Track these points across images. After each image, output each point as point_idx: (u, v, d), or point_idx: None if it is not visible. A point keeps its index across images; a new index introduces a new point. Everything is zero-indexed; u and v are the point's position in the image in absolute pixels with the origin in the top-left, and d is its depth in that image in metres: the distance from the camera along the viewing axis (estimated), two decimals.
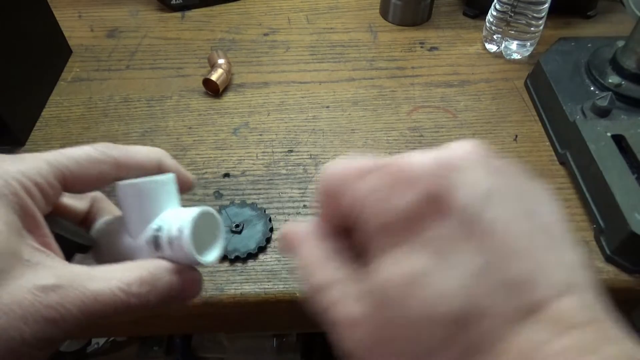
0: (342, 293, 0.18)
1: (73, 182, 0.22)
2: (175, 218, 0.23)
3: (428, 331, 0.16)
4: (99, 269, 0.20)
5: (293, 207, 0.45)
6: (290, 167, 0.48)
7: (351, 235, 0.20)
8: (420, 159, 0.17)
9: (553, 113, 0.51)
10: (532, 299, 0.15)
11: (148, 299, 0.21)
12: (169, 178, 0.24)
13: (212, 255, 0.23)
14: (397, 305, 0.16)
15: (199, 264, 0.23)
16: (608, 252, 0.40)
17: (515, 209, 0.16)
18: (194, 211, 0.22)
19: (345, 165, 0.19)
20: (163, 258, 0.23)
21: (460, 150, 0.17)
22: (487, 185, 0.16)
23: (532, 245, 0.16)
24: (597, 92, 0.49)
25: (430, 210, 0.16)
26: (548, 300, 0.15)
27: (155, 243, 0.23)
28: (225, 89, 0.57)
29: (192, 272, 0.23)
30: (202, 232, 0.23)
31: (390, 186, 0.17)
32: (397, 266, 0.16)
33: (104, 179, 0.23)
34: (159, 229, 0.23)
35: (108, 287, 0.20)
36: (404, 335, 0.16)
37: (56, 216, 0.23)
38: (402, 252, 0.16)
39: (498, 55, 0.61)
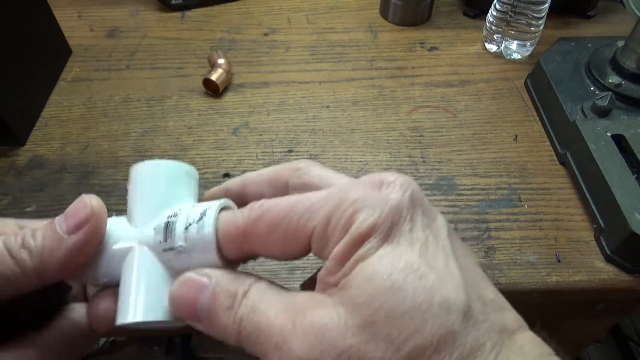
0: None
1: None
2: (196, 207, 0.20)
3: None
4: None
5: None
6: None
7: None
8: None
9: (553, 113, 0.51)
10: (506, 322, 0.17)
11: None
12: (192, 169, 0.22)
13: None
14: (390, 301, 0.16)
15: (215, 261, 0.19)
16: (608, 252, 0.40)
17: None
18: (219, 200, 0.20)
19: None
20: (166, 252, 0.20)
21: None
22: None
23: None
24: (597, 92, 0.49)
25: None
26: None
27: (167, 230, 0.20)
28: (225, 89, 0.57)
29: None
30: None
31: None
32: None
33: None
34: (174, 215, 0.20)
35: None
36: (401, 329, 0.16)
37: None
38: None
39: (498, 55, 0.61)
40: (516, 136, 0.51)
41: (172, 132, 0.52)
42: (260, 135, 0.52)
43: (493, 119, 0.53)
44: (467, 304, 0.16)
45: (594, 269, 0.40)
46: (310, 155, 0.50)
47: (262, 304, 0.18)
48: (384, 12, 0.67)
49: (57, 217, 0.20)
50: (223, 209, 0.20)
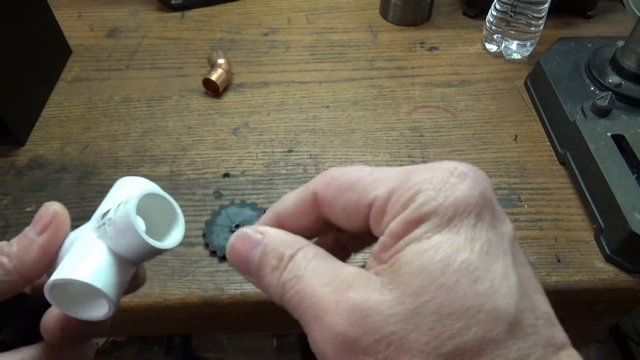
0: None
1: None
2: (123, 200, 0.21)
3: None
4: None
5: None
6: (290, 167, 0.48)
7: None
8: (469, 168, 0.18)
9: (553, 113, 0.51)
10: (560, 336, 0.17)
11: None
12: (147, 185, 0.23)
13: (171, 240, 0.21)
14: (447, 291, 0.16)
15: (148, 246, 0.20)
16: (608, 252, 0.40)
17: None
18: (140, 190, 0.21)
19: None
20: (100, 228, 0.21)
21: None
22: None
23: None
24: (597, 92, 0.49)
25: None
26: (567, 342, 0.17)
27: (103, 229, 0.21)
28: (225, 89, 0.57)
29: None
30: (156, 218, 0.21)
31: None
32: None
33: None
34: (106, 212, 0.21)
35: None
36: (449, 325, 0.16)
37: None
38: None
39: (498, 55, 0.61)
40: (516, 136, 0.51)
41: (172, 132, 0.52)
42: (260, 135, 0.52)
43: (493, 119, 0.53)
44: (516, 316, 0.16)
45: (594, 269, 0.40)
46: (310, 155, 0.50)
47: (308, 271, 0.18)
48: (384, 12, 0.67)
49: (26, 227, 0.22)
50: (147, 196, 0.21)
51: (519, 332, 0.16)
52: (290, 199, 0.21)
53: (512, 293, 0.16)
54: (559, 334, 0.17)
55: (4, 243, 0.22)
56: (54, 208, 0.22)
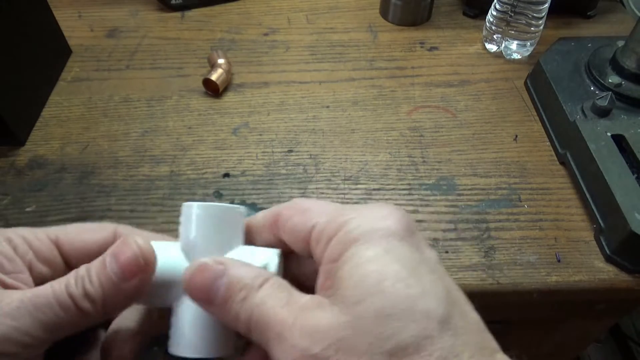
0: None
1: (64, 244, 0.23)
2: (255, 254, 0.22)
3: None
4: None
5: None
6: (290, 167, 0.48)
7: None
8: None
9: (553, 113, 0.51)
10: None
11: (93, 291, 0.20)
12: (243, 210, 0.24)
13: None
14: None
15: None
16: (608, 252, 0.40)
17: None
18: (274, 251, 0.23)
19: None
20: None
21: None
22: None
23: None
24: (597, 92, 0.49)
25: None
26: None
27: None
28: (225, 89, 0.57)
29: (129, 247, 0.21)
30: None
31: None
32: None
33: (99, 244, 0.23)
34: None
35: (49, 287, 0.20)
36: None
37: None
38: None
39: (498, 55, 0.61)
40: (516, 136, 0.51)
41: (172, 132, 0.52)
42: (260, 135, 0.52)
43: (493, 119, 0.53)
44: (445, 315, 0.18)
45: (594, 269, 0.40)
46: (310, 155, 0.50)
47: (271, 299, 0.19)
48: (384, 12, 0.67)
49: (108, 259, 0.21)
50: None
51: (450, 330, 0.17)
52: (260, 215, 0.24)
53: (441, 297, 0.18)
54: (491, 340, 0.19)
55: (84, 276, 0.20)
56: (143, 252, 0.21)
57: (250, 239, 0.24)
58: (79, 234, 0.23)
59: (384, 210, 0.20)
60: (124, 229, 0.24)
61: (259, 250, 0.23)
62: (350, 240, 0.19)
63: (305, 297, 0.20)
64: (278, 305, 0.19)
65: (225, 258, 0.21)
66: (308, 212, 0.22)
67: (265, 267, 0.22)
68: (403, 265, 0.18)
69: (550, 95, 0.51)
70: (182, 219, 0.23)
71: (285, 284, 0.21)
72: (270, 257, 0.22)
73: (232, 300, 0.20)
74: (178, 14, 0.68)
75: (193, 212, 0.22)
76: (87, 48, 0.62)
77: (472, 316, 0.19)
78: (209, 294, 0.20)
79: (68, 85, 0.57)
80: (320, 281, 0.20)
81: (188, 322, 0.21)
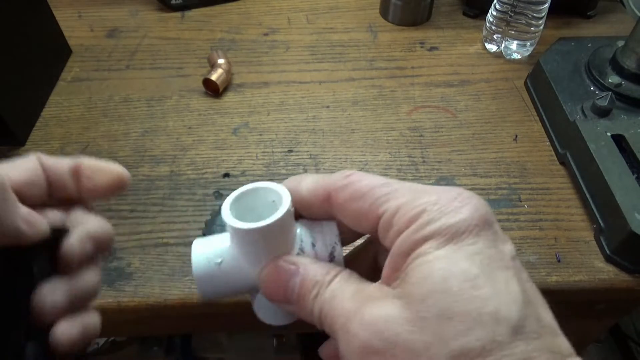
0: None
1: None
2: (314, 239, 0.22)
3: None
4: None
5: None
6: (290, 167, 0.48)
7: None
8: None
9: (553, 113, 0.51)
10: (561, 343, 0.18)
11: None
12: (286, 199, 0.22)
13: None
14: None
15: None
16: (608, 252, 0.40)
17: None
18: (332, 229, 0.22)
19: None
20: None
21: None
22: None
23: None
24: (597, 92, 0.49)
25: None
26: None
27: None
28: (225, 89, 0.57)
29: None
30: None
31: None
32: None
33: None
34: (301, 249, 0.22)
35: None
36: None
37: None
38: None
39: (498, 55, 0.61)
40: (516, 136, 0.51)
41: (172, 132, 0.52)
42: (260, 135, 0.52)
43: (493, 119, 0.53)
44: (519, 319, 0.17)
45: (594, 269, 0.40)
46: (310, 155, 0.50)
47: (340, 292, 0.20)
48: (384, 12, 0.67)
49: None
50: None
51: (522, 335, 0.16)
52: (305, 189, 0.22)
53: (515, 299, 0.17)
54: (565, 344, 0.18)
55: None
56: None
57: (297, 213, 0.23)
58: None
59: (460, 199, 0.19)
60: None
61: (316, 230, 0.22)
62: (423, 238, 0.18)
63: (371, 286, 0.20)
64: (346, 297, 0.20)
65: (296, 257, 0.22)
66: (371, 196, 0.20)
67: (331, 254, 0.22)
68: (473, 262, 0.18)
69: (550, 95, 0.51)
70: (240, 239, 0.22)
71: (353, 275, 0.21)
72: (332, 239, 0.22)
73: (306, 298, 0.21)
74: (178, 14, 0.68)
75: (258, 237, 0.21)
76: (87, 48, 0.62)
77: (547, 319, 0.18)
78: (285, 295, 0.21)
79: (68, 85, 0.57)
80: (386, 272, 0.20)
81: (264, 304, 0.23)
